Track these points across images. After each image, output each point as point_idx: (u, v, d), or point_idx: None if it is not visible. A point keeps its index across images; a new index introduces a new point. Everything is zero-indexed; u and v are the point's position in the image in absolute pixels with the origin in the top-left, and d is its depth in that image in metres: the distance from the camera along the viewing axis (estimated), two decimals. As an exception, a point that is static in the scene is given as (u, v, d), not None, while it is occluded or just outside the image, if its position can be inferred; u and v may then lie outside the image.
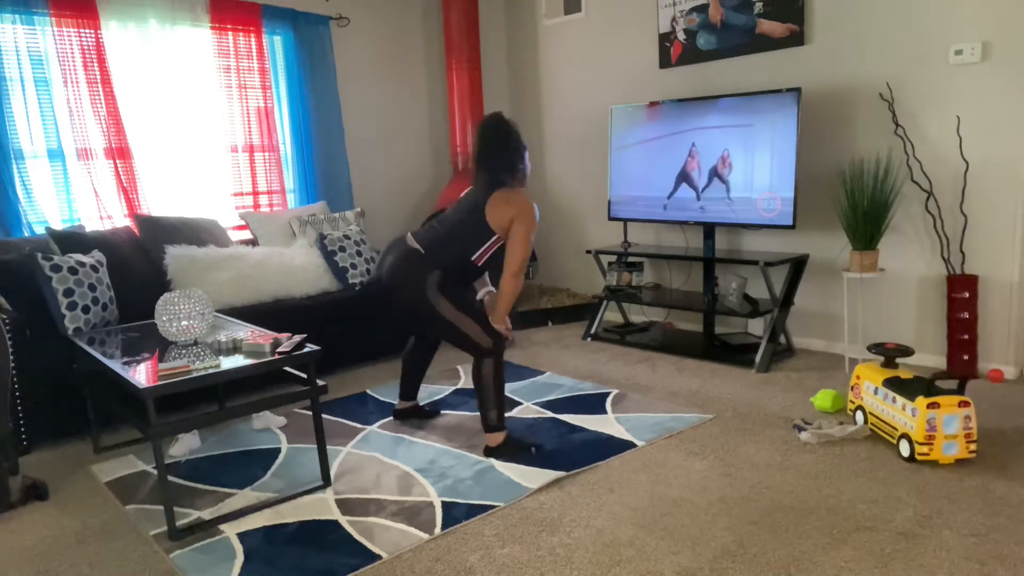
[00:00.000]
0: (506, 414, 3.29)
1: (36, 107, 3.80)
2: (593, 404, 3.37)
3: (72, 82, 3.88)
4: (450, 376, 3.95)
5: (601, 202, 5.17)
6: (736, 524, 2.24)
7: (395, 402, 3.52)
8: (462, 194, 2.93)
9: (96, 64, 3.94)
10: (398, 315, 2.98)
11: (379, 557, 2.16)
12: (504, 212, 2.72)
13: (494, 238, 2.77)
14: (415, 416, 3.27)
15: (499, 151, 2.79)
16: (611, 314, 5.05)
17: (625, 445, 2.87)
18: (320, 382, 2.59)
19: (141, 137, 4.19)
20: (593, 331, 4.62)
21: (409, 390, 3.24)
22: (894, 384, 2.72)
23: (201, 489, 2.70)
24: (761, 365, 3.75)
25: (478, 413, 3.31)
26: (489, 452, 2.82)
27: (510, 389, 3.65)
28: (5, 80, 3.70)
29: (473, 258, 2.78)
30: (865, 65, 3.69)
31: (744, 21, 4.12)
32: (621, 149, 4.49)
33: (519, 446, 2.82)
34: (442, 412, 3.36)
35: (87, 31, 3.90)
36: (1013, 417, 2.96)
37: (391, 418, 3.31)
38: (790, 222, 3.72)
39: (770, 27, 4.01)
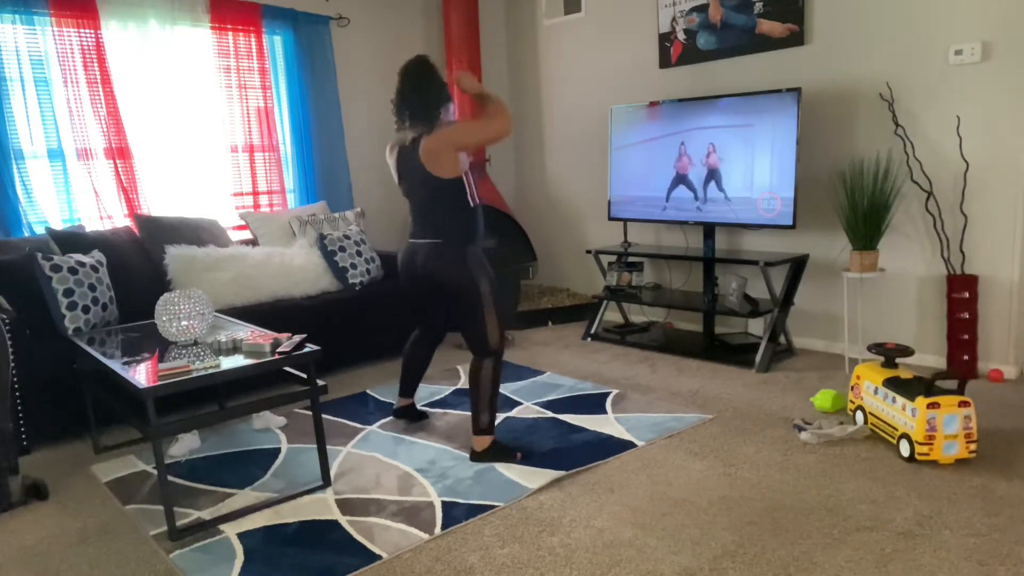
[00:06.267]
0: (507, 414, 3.29)
1: (36, 107, 3.80)
2: (593, 404, 3.37)
3: (72, 82, 3.88)
4: (450, 376, 3.95)
5: (601, 202, 5.17)
6: (736, 524, 2.24)
7: (394, 401, 3.52)
8: (397, 163, 2.82)
9: (96, 64, 3.94)
10: (431, 301, 3.00)
11: (379, 557, 2.16)
12: (442, 159, 2.62)
13: (464, 179, 2.71)
14: (411, 414, 3.26)
15: (418, 104, 2.67)
16: (611, 314, 5.05)
17: (625, 445, 2.87)
18: (320, 382, 2.59)
19: (141, 137, 4.19)
20: (593, 331, 4.62)
21: (408, 387, 3.23)
22: (894, 384, 2.72)
23: (201, 489, 2.70)
24: (761, 365, 3.75)
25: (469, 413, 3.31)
26: (475, 456, 2.80)
27: (510, 389, 3.65)
28: (5, 80, 3.70)
29: (471, 205, 2.73)
30: (865, 65, 3.69)
31: (744, 21, 4.12)
32: (621, 149, 4.49)
33: (504, 451, 2.80)
34: (439, 412, 3.36)
35: (87, 31, 3.90)
36: (1013, 417, 2.96)
37: (391, 418, 3.31)
38: (790, 222, 3.72)
39: (770, 27, 4.01)
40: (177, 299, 2.78)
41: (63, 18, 3.82)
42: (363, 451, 2.97)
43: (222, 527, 2.39)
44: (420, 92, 2.67)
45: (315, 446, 3.00)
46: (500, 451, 2.80)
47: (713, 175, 4.01)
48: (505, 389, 3.65)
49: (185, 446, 3.06)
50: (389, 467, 2.80)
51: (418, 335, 3.17)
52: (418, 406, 3.44)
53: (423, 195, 2.75)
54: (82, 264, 3.34)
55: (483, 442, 2.80)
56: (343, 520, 2.40)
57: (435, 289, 2.85)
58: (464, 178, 2.73)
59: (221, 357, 2.53)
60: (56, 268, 3.23)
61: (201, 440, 3.17)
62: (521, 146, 5.83)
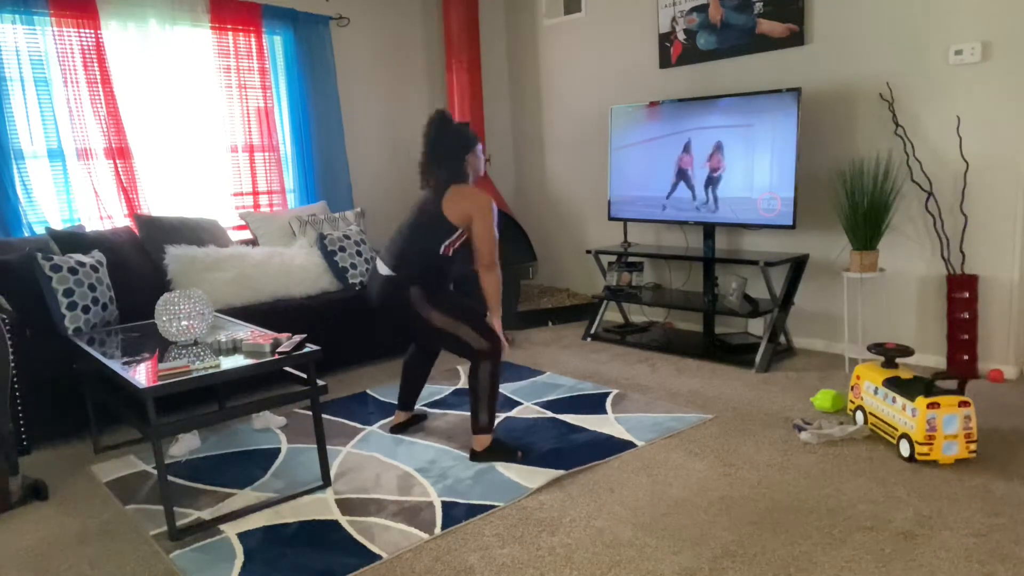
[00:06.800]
0: (507, 414, 3.29)
1: (36, 107, 3.80)
2: (593, 404, 3.37)
3: (72, 82, 3.88)
4: (450, 376, 3.95)
5: (601, 202, 5.17)
6: (736, 524, 2.24)
7: (394, 402, 3.52)
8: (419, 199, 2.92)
9: (96, 64, 3.94)
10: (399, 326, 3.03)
11: (379, 557, 2.16)
12: (460, 208, 2.71)
13: (457, 232, 2.75)
14: (412, 426, 3.25)
15: (441, 151, 2.79)
16: (611, 314, 5.05)
17: (625, 445, 2.87)
18: (320, 382, 2.59)
19: (141, 137, 4.19)
20: (593, 331, 4.62)
21: (409, 400, 3.20)
22: (894, 384, 2.72)
23: (201, 489, 2.70)
24: (761, 365, 3.75)
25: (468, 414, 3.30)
26: (475, 456, 2.81)
27: (510, 389, 3.65)
28: (5, 80, 3.70)
29: (440, 252, 2.75)
30: (865, 65, 3.69)
31: (744, 21, 4.12)
32: (621, 149, 4.49)
33: (505, 450, 2.81)
34: (439, 412, 3.36)
35: (87, 31, 3.90)
36: (1013, 417, 2.96)
37: (391, 418, 3.31)
38: (790, 222, 3.72)
39: (770, 27, 4.01)
40: (177, 299, 2.78)
41: (63, 18, 3.82)
42: (363, 451, 2.97)
43: (222, 527, 2.39)
44: (439, 148, 2.79)
45: (315, 446, 2.99)
46: (501, 449, 2.81)
47: (712, 175, 4.01)
48: (505, 389, 3.65)
49: (185, 446, 3.06)
50: (389, 467, 2.80)
51: (414, 348, 3.17)
52: (418, 406, 3.44)
53: (416, 217, 2.78)
54: (82, 264, 3.34)
55: (483, 441, 2.81)
56: (343, 520, 2.40)
57: (393, 314, 2.85)
58: (458, 235, 2.76)
59: (221, 357, 2.53)
60: (56, 268, 3.23)
61: (201, 440, 3.17)
62: (521, 146, 5.83)
